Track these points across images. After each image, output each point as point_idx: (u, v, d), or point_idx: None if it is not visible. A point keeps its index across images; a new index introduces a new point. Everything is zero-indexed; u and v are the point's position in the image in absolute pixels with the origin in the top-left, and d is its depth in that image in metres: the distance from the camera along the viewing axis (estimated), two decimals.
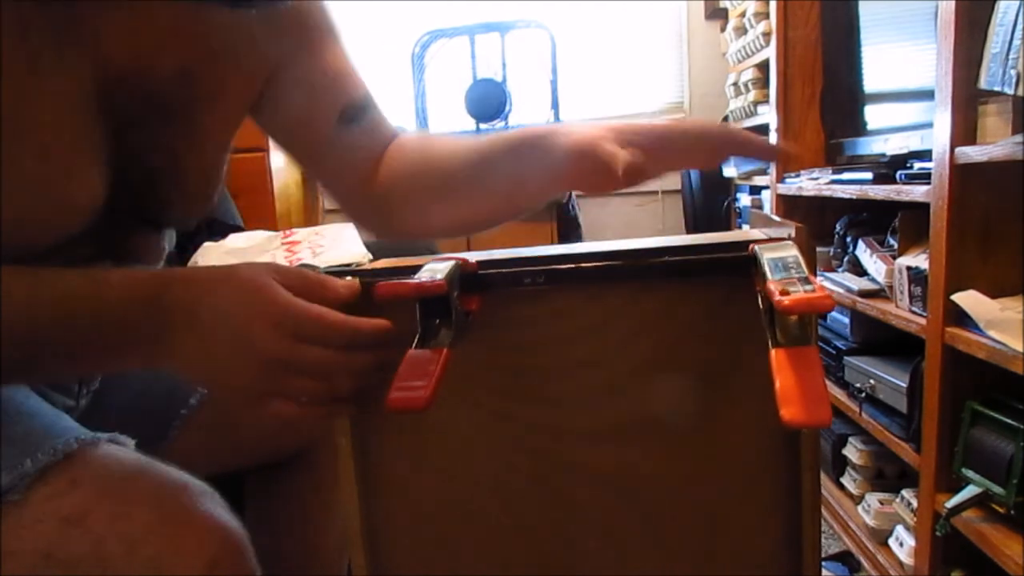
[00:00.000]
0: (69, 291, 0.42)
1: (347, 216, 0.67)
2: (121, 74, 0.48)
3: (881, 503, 1.17)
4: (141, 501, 0.42)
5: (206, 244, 1.28)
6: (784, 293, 0.31)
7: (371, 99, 0.62)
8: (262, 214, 1.87)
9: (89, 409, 0.62)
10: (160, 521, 0.41)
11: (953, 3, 0.85)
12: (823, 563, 1.25)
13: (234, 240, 1.28)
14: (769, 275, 0.34)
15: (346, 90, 0.61)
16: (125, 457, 0.45)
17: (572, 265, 0.44)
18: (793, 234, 0.41)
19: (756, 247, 0.39)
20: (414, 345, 0.41)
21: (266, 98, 0.59)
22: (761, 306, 0.37)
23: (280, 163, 2.07)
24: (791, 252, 0.37)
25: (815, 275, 0.34)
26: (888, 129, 1.25)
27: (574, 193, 2.18)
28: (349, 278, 0.46)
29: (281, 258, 1.24)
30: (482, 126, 2.32)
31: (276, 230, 1.36)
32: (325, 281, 0.44)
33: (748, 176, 1.89)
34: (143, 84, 0.49)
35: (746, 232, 0.47)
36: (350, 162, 0.62)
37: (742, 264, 0.41)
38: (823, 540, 1.31)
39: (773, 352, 0.32)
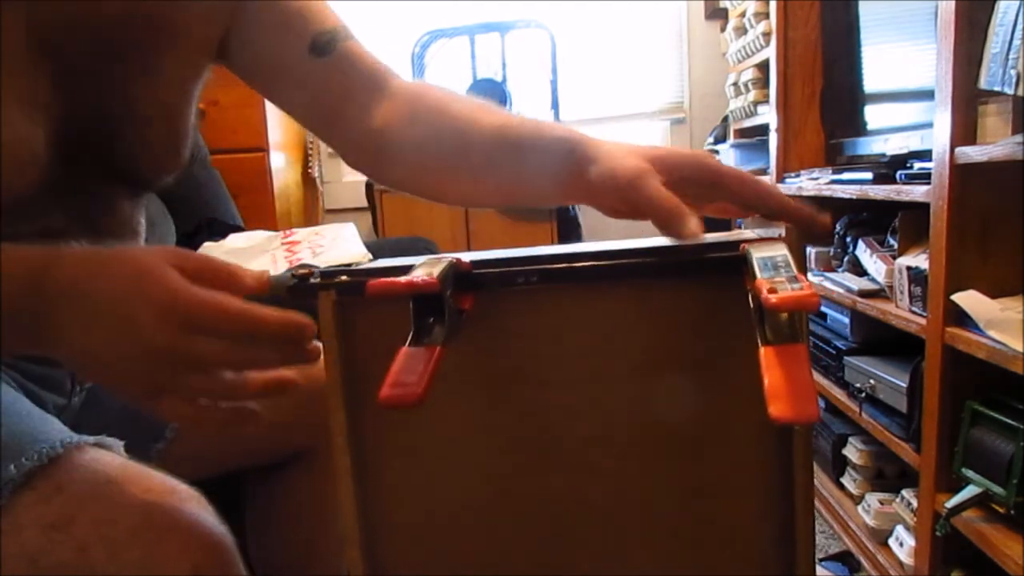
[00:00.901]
0: None
1: (334, 151, 0.63)
2: (64, 17, 0.46)
3: (881, 503, 1.17)
4: (126, 506, 0.42)
5: (206, 244, 1.28)
6: (772, 291, 0.31)
7: (345, 31, 0.59)
8: (262, 214, 1.87)
9: (85, 409, 0.62)
10: (145, 527, 0.41)
11: (953, 3, 0.85)
12: (823, 563, 1.25)
13: (234, 240, 1.28)
14: (758, 274, 0.34)
15: (314, 20, 0.58)
16: (111, 462, 0.45)
17: (565, 265, 0.44)
18: (783, 233, 0.41)
19: (747, 246, 0.39)
20: (407, 343, 0.41)
21: (232, 38, 0.57)
22: (751, 304, 0.37)
23: (280, 163, 2.08)
24: (780, 251, 0.37)
25: (805, 274, 0.34)
26: (888, 129, 1.25)
27: None
28: (268, 272, 0.43)
29: (281, 258, 1.24)
30: None
31: (276, 230, 1.37)
32: (231, 269, 0.41)
33: None
34: (89, 26, 0.47)
35: (739, 232, 0.47)
36: (333, 98, 0.58)
37: (733, 263, 0.41)
38: (823, 540, 1.31)
39: (762, 349, 0.32)
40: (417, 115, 0.57)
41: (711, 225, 0.45)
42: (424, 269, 0.41)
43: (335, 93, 0.58)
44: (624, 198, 0.44)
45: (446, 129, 0.56)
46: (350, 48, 0.59)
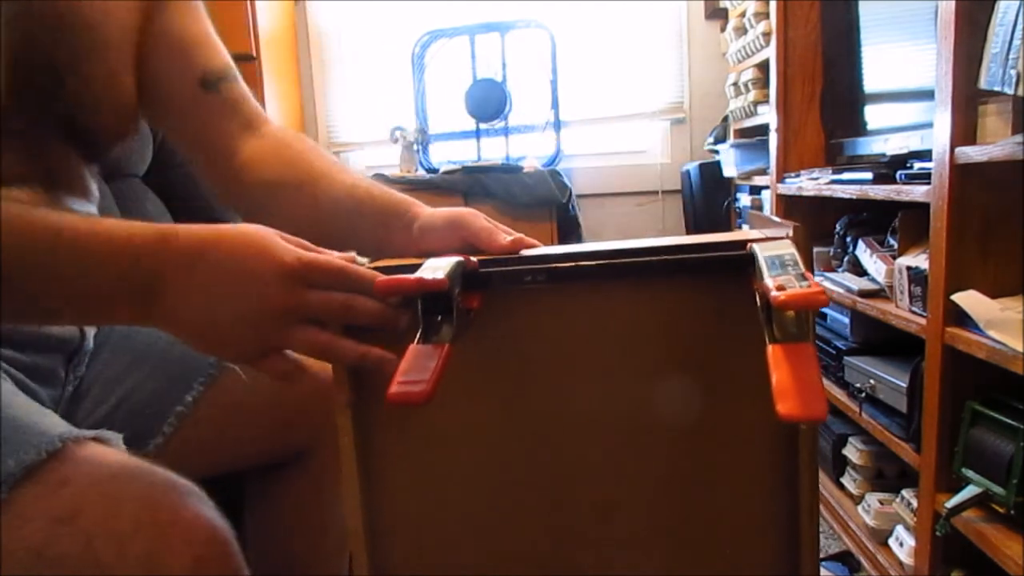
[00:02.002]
0: (64, 227, 0.41)
1: (207, 185, 0.67)
2: None
3: (881, 503, 1.17)
4: (130, 500, 0.42)
5: None
6: (780, 289, 0.31)
7: (233, 71, 0.64)
8: None
9: (79, 403, 0.62)
10: (148, 520, 0.42)
11: (953, 3, 0.85)
12: (823, 563, 1.25)
13: None
14: (766, 272, 0.34)
15: (207, 55, 0.62)
16: (115, 457, 0.46)
17: (572, 264, 0.44)
18: (791, 233, 0.41)
19: (754, 245, 0.39)
20: (416, 341, 0.41)
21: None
22: (758, 303, 0.37)
23: None
24: (788, 250, 0.37)
25: (812, 272, 0.34)
26: (888, 129, 1.26)
27: (574, 193, 2.18)
28: (354, 254, 0.46)
29: None
30: (482, 126, 2.32)
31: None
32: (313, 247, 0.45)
33: (748, 176, 1.89)
34: None
35: (745, 232, 0.47)
36: (211, 129, 0.62)
37: (740, 262, 0.41)
38: (823, 540, 1.31)
39: (770, 348, 0.32)
40: (280, 157, 0.62)
41: (714, 225, 0.45)
42: (433, 267, 0.41)
43: (215, 127, 0.63)
44: (449, 227, 0.54)
45: (303, 176, 0.61)
46: (235, 88, 0.64)
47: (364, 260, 0.48)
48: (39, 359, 0.58)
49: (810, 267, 0.38)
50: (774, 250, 0.37)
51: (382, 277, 0.41)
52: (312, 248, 0.45)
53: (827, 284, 1.27)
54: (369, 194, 0.60)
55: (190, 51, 0.61)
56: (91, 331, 0.64)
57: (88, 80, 0.55)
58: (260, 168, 0.62)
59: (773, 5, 1.55)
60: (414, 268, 0.43)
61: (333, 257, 0.44)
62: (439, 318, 0.41)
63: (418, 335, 0.41)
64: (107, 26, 0.56)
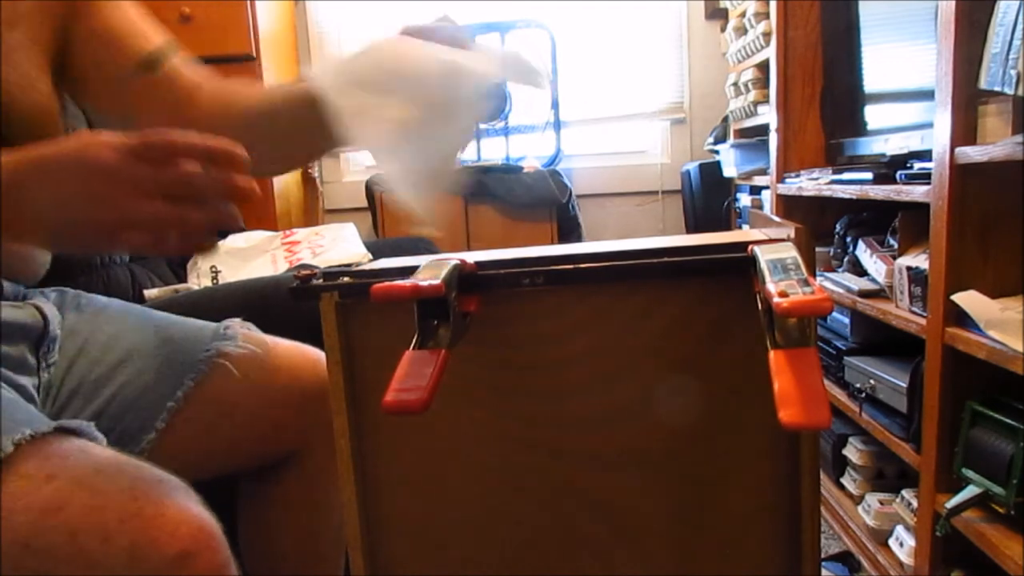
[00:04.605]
0: None
1: None
2: None
3: (881, 503, 1.17)
4: (116, 493, 0.43)
5: None
6: (783, 295, 0.31)
7: (167, 50, 0.65)
8: (262, 214, 1.87)
9: (71, 400, 0.62)
10: (134, 513, 0.42)
11: (953, 3, 0.85)
12: (823, 563, 1.25)
13: (234, 240, 1.28)
14: (768, 277, 0.34)
15: (139, 43, 0.64)
16: (100, 451, 0.46)
17: (571, 266, 0.44)
18: (793, 235, 0.41)
19: (755, 248, 0.39)
20: (411, 346, 0.40)
21: (69, 54, 0.63)
22: (760, 307, 0.37)
23: None
24: (790, 254, 0.37)
25: (814, 276, 0.34)
26: (888, 129, 1.25)
27: (574, 193, 2.18)
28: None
29: (281, 258, 1.24)
30: (482, 126, 2.31)
31: (276, 230, 1.36)
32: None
33: (748, 176, 1.89)
34: None
35: (746, 232, 0.46)
36: (154, 108, 0.64)
37: (741, 265, 0.41)
38: (823, 540, 1.31)
39: (772, 354, 0.32)
40: (209, 110, 0.65)
41: (714, 226, 0.45)
42: (429, 271, 0.41)
43: (158, 109, 0.64)
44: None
45: (232, 114, 0.63)
46: (174, 66, 0.65)
47: (368, 257, 0.48)
48: (7, 348, 0.58)
49: (812, 270, 0.37)
50: (776, 253, 0.37)
51: (376, 285, 0.40)
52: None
53: (827, 284, 1.26)
54: (275, 99, 0.62)
55: (122, 41, 0.64)
56: (54, 317, 0.64)
57: (7, 86, 0.55)
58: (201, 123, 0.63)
59: (773, 5, 1.55)
60: (412, 271, 0.42)
61: (164, 132, 0.43)
62: (435, 323, 0.41)
63: (414, 341, 0.41)
64: (15, 32, 0.57)
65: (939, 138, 0.89)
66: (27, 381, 0.58)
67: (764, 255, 0.37)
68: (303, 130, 0.61)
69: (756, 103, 1.83)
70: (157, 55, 0.65)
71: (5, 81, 0.56)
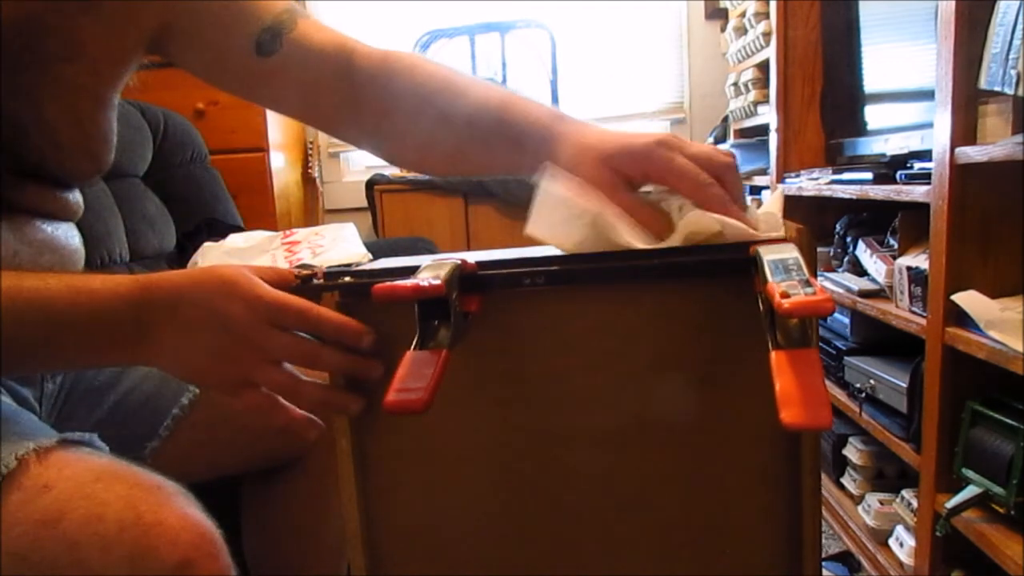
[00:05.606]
0: (51, 294, 0.44)
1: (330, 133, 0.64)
2: None
3: (881, 503, 1.17)
4: (114, 502, 0.42)
5: (206, 244, 1.28)
6: (785, 296, 0.30)
7: (290, 16, 0.58)
8: (262, 214, 1.87)
9: (76, 408, 0.62)
10: (133, 521, 0.42)
11: (953, 3, 0.85)
12: (823, 563, 1.25)
13: (234, 240, 1.28)
14: (770, 277, 0.34)
15: (255, 17, 0.57)
16: (98, 459, 0.46)
17: (572, 266, 0.44)
18: (794, 235, 0.41)
19: (757, 248, 0.39)
20: (412, 347, 0.40)
21: (173, 38, 0.58)
22: (761, 308, 0.37)
23: (280, 163, 2.07)
24: (792, 254, 0.37)
25: (816, 276, 0.34)
26: (888, 129, 1.25)
27: None
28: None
29: (281, 258, 1.24)
30: None
31: (276, 230, 1.36)
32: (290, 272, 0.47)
33: (748, 176, 1.89)
34: None
35: (747, 231, 0.46)
36: (289, 89, 0.59)
37: (743, 265, 0.41)
38: (823, 540, 1.31)
39: (773, 354, 0.32)
40: (407, 99, 0.57)
41: None
42: (430, 271, 0.41)
43: (296, 87, 0.59)
44: (628, 157, 0.49)
45: (440, 114, 0.56)
46: (297, 38, 0.58)
47: (369, 257, 0.48)
48: None
49: (814, 270, 0.37)
50: (777, 253, 0.37)
51: (377, 285, 0.40)
52: (288, 280, 0.46)
53: (827, 284, 1.26)
54: (502, 107, 0.55)
55: (236, 20, 0.57)
56: None
57: (53, 128, 0.54)
58: (391, 116, 0.58)
59: (773, 5, 1.55)
60: (412, 271, 0.42)
61: (299, 300, 0.45)
62: (436, 323, 0.41)
63: (415, 341, 0.41)
64: (74, 69, 0.54)
65: (939, 138, 0.89)
66: (29, 393, 0.58)
67: (766, 255, 0.37)
68: (491, 148, 0.55)
69: (756, 103, 1.83)
70: (273, 29, 0.57)
71: (56, 124, 0.54)
